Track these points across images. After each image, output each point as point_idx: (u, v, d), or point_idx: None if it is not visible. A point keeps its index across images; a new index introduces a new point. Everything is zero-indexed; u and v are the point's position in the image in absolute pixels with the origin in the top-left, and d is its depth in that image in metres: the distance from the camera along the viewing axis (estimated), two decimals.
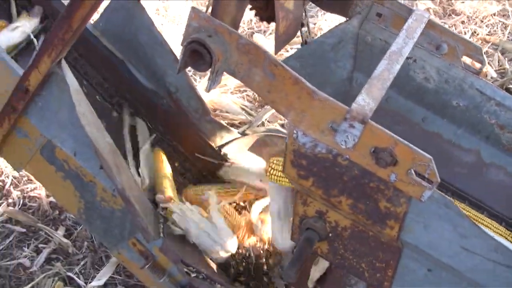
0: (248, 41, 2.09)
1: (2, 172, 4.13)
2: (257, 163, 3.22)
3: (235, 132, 3.36)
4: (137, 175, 3.01)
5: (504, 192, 2.86)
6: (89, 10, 2.27)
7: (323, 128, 2.05)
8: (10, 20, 3.27)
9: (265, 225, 3.09)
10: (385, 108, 2.79)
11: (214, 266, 2.82)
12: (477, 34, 5.56)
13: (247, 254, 2.99)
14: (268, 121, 4.50)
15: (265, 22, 2.90)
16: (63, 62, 2.52)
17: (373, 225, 2.19)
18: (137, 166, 3.08)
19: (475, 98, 2.78)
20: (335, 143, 2.04)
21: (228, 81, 4.66)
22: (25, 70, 2.47)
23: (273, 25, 2.87)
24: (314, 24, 5.37)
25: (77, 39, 2.41)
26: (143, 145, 3.17)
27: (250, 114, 4.56)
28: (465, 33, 5.53)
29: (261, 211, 3.15)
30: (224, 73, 2.16)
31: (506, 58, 5.27)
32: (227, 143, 3.32)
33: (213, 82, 2.14)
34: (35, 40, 3.20)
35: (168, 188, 3.00)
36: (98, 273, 3.62)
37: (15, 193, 4.02)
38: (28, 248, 3.74)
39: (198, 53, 2.09)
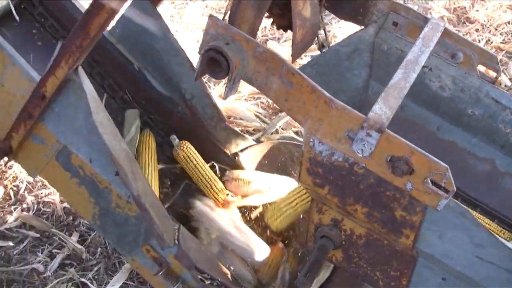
0: (266, 49, 2.10)
1: (17, 177, 4.14)
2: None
3: (250, 140, 3.36)
4: None
5: None
6: (106, 17, 2.28)
7: (340, 137, 2.05)
8: None
9: None
10: (400, 116, 2.79)
11: (228, 273, 2.82)
12: (491, 42, 5.55)
13: None
14: (282, 128, 4.50)
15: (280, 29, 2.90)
16: (80, 69, 2.52)
17: (389, 233, 2.19)
18: None
19: (490, 107, 2.77)
20: (352, 151, 2.05)
21: (243, 88, 4.67)
22: (42, 77, 2.47)
23: (287, 32, 2.88)
24: (328, 31, 5.36)
25: (94, 46, 2.42)
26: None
27: (264, 121, 4.57)
28: (479, 41, 5.52)
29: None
30: None
31: None
32: (241, 150, 3.32)
33: (230, 89, 2.15)
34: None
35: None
36: (111, 279, 3.61)
37: (30, 198, 4.03)
38: (42, 253, 3.75)
39: (215, 60, 2.10)
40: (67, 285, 3.57)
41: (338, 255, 2.43)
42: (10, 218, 3.91)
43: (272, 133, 4.41)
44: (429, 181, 1.98)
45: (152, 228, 2.52)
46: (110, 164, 2.50)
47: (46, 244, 3.79)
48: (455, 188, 1.96)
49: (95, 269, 3.67)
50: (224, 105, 4.43)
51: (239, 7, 2.40)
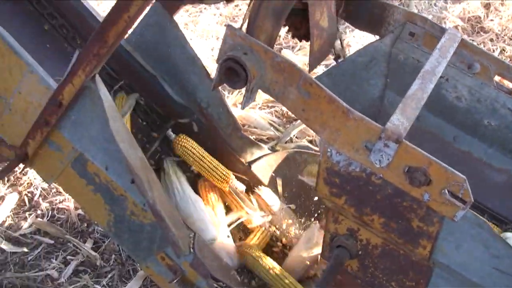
0: (284, 59, 2.10)
1: (31, 184, 4.16)
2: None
3: (265, 148, 3.36)
4: None
5: None
6: (124, 26, 2.29)
7: (357, 147, 2.06)
8: None
9: None
10: (416, 126, 2.78)
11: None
12: (506, 52, 5.54)
13: None
14: (296, 137, 4.50)
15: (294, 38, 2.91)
16: (97, 77, 2.53)
17: (405, 244, 2.20)
18: None
19: (507, 117, 2.77)
20: (369, 162, 2.05)
21: (257, 96, 4.66)
22: (59, 84, 2.48)
23: (302, 41, 2.89)
24: (343, 40, 5.37)
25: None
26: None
27: (278, 130, 4.57)
28: (493, 50, 5.50)
29: None
30: None
31: None
32: (257, 159, 3.33)
33: (248, 99, 2.16)
34: None
35: None
36: (125, 286, 3.62)
37: (44, 205, 4.05)
38: (56, 259, 3.76)
39: (233, 70, 2.11)
40: None
41: (353, 265, 2.43)
42: (25, 224, 3.92)
43: (286, 142, 4.41)
44: (446, 192, 1.98)
45: (167, 236, 2.53)
46: (126, 171, 2.51)
47: (61, 251, 3.80)
48: (472, 199, 1.96)
49: (109, 276, 3.68)
50: (238, 114, 4.43)
51: (257, 17, 2.40)
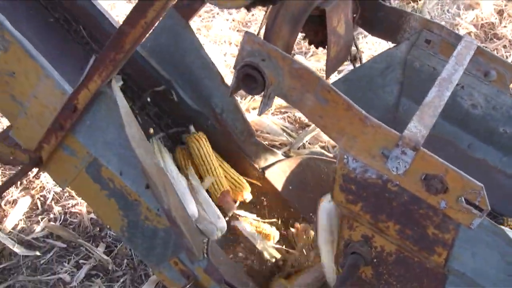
0: (301, 65, 2.11)
1: (44, 187, 4.17)
2: None
3: (279, 154, 3.36)
4: None
5: None
6: (141, 32, 2.29)
7: (374, 154, 2.06)
8: None
9: None
10: (431, 134, 2.78)
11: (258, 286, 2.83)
12: None
13: None
14: (309, 143, 4.50)
15: (305, 44, 2.91)
16: (113, 82, 2.54)
17: (420, 251, 2.19)
18: None
19: None
20: (386, 169, 2.05)
21: None
22: (74, 89, 2.48)
23: (312, 46, 2.89)
24: None
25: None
26: None
27: (290, 136, 4.57)
28: (506, 57, 5.49)
29: None
30: None
31: None
32: (270, 165, 3.32)
33: (265, 105, 2.16)
34: None
35: None
36: None
37: (56, 209, 4.05)
38: (68, 263, 3.76)
39: (251, 76, 2.11)
40: None
41: (367, 272, 2.43)
42: (37, 228, 3.93)
43: (298, 148, 4.41)
44: (463, 199, 1.98)
45: (181, 241, 2.53)
46: (140, 177, 2.51)
47: (73, 255, 3.80)
48: (489, 207, 1.96)
49: (121, 280, 3.67)
50: (251, 119, 4.43)
51: (275, 24, 2.40)
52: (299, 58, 5.35)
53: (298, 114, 4.76)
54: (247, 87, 2.14)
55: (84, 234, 3.91)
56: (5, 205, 4.02)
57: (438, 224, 2.08)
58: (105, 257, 3.76)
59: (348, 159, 2.11)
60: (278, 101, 4.62)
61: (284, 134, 4.57)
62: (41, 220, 3.97)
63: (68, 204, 4.08)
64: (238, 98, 4.79)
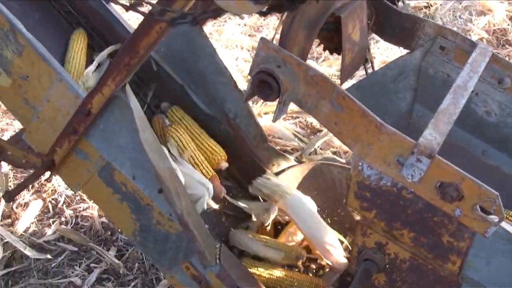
0: (317, 72, 2.11)
1: (55, 191, 4.17)
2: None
3: (292, 160, 3.36)
4: None
5: None
6: (156, 37, 2.29)
7: (389, 161, 2.06)
8: None
9: None
10: (445, 140, 2.78)
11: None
12: None
13: None
14: (320, 148, 4.50)
15: (317, 49, 2.91)
16: (127, 87, 2.54)
17: (435, 259, 2.19)
18: None
19: None
20: (401, 176, 2.05)
21: None
22: (88, 93, 2.48)
23: (326, 52, 2.88)
24: None
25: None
26: None
27: (302, 141, 4.57)
28: None
29: None
30: None
31: None
32: (283, 171, 3.32)
33: (280, 112, 2.16)
34: None
35: None
36: None
37: (68, 212, 4.06)
38: (79, 267, 3.76)
39: (266, 83, 2.11)
40: None
41: (381, 278, 2.42)
42: (49, 231, 3.93)
43: (310, 153, 4.41)
44: (478, 207, 1.97)
45: (194, 246, 2.53)
46: (153, 181, 2.51)
47: (84, 258, 3.81)
48: (504, 215, 1.96)
49: (132, 284, 3.68)
50: (263, 124, 4.43)
51: (290, 30, 2.40)
52: (310, 63, 5.35)
53: (310, 119, 4.76)
54: (262, 94, 2.14)
55: (95, 238, 3.92)
56: (16, 208, 4.03)
57: (453, 232, 2.08)
58: (116, 261, 3.76)
59: (363, 166, 2.11)
60: (289, 106, 4.62)
61: (296, 139, 4.57)
62: (53, 223, 3.98)
63: (80, 207, 4.09)
64: (249, 103, 4.80)
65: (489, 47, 2.65)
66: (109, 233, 3.94)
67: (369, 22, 2.81)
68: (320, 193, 3.25)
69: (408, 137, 2.05)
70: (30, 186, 4.14)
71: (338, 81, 2.70)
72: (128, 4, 2.20)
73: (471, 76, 2.39)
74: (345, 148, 4.40)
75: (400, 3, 2.94)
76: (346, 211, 3.22)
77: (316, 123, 4.72)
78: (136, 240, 2.75)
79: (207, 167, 3.08)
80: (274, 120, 2.19)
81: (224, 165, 3.19)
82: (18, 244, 3.77)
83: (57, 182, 4.18)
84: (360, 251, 2.40)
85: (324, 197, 3.25)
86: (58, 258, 3.80)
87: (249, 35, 5.85)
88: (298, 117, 4.80)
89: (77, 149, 2.64)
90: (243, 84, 4.85)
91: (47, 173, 2.83)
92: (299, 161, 3.45)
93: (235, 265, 2.75)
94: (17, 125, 4.47)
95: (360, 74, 4.16)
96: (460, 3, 6.35)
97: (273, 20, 5.99)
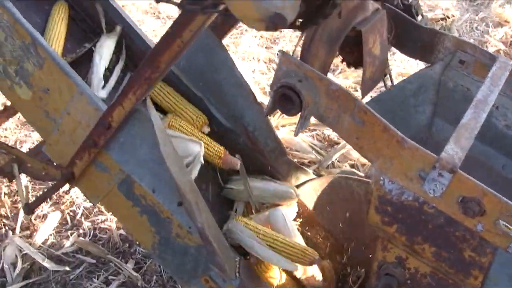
0: (338, 86, 2.11)
1: (74, 203, 4.19)
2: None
3: (310, 173, 3.36)
4: None
5: None
6: (177, 51, 2.30)
7: (411, 176, 2.06)
8: None
9: None
10: (465, 154, 2.78)
11: None
12: None
13: None
14: (338, 161, 4.50)
15: (334, 61, 2.91)
16: (148, 100, 2.55)
17: (456, 274, 2.18)
18: None
19: None
20: (423, 191, 2.05)
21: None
22: (109, 107, 2.50)
23: (343, 64, 2.89)
24: None
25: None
26: None
27: (319, 154, 4.57)
28: None
29: None
30: None
31: None
32: (301, 184, 3.32)
33: (302, 126, 2.16)
34: None
35: None
36: None
37: (86, 224, 4.07)
38: (97, 279, 3.77)
39: (287, 97, 2.11)
40: None
41: None
42: (67, 243, 3.94)
43: (328, 166, 4.41)
44: (500, 222, 1.97)
45: (214, 259, 2.53)
46: (173, 194, 2.52)
47: (102, 270, 3.81)
48: None
49: None
50: (280, 137, 4.43)
51: (312, 44, 2.41)
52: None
53: (327, 132, 4.76)
54: (284, 108, 2.15)
55: (114, 250, 3.92)
56: (35, 219, 4.04)
57: (475, 247, 2.07)
58: (135, 273, 3.76)
59: (384, 181, 2.11)
60: None
61: (313, 152, 4.57)
62: (71, 235, 3.99)
63: (98, 219, 4.10)
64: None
65: (509, 61, 2.65)
66: (127, 245, 3.95)
67: (389, 36, 2.82)
68: (340, 206, 3.25)
69: (428, 150, 2.05)
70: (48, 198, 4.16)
71: (355, 93, 2.70)
72: None
73: (492, 90, 2.39)
74: (363, 160, 4.40)
75: (419, 17, 2.94)
76: (367, 225, 3.22)
77: (333, 136, 4.72)
78: (155, 253, 2.75)
79: (193, 130, 3.08)
80: (296, 135, 2.20)
81: (206, 129, 3.18)
82: (37, 256, 3.78)
83: (75, 194, 4.19)
84: (380, 266, 2.40)
85: (344, 211, 3.24)
86: (77, 270, 3.80)
87: (265, 47, 5.86)
88: (315, 130, 4.80)
89: (97, 161, 2.65)
90: (259, 97, 4.86)
91: (66, 185, 2.84)
92: (317, 174, 3.44)
93: (254, 278, 2.76)
94: (35, 137, 4.49)
95: (378, 86, 4.16)
96: (477, 15, 6.36)
97: (290, 32, 6.00)
